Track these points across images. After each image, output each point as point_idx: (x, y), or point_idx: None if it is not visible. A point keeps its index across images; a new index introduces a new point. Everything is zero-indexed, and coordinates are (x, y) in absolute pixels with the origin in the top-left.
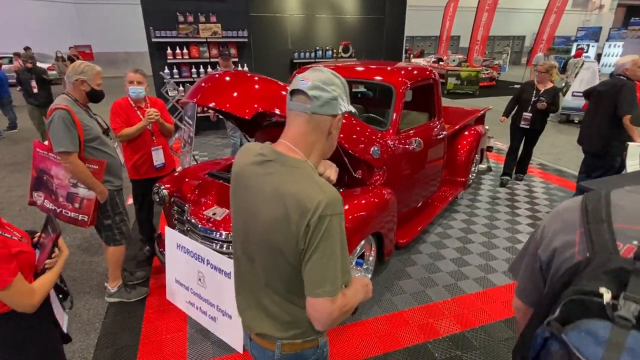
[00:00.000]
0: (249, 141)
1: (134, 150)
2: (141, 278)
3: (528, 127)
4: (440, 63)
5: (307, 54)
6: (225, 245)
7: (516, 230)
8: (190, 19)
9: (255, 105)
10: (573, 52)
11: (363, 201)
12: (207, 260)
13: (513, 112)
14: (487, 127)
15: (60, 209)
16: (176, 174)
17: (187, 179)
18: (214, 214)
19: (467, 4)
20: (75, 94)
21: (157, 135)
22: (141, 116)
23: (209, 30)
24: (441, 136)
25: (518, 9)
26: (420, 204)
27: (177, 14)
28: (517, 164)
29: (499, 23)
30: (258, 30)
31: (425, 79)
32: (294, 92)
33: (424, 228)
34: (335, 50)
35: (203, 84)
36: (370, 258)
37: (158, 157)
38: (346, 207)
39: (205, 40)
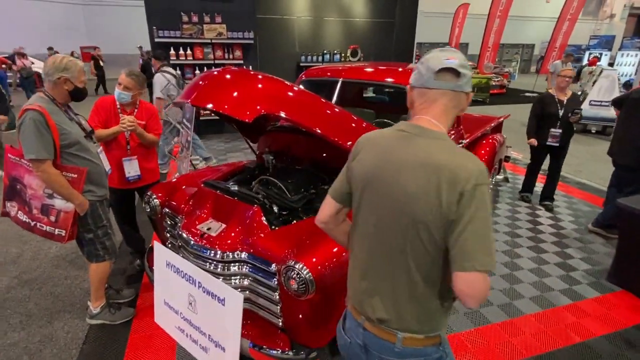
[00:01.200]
0: (250, 147)
1: (109, 155)
2: (128, 297)
3: (558, 144)
4: None
5: (315, 58)
6: (220, 266)
7: (541, 250)
8: (195, 19)
9: (258, 107)
10: (585, 61)
11: None
12: (199, 283)
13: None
14: (504, 136)
15: (35, 222)
16: (174, 179)
17: (182, 188)
18: (208, 228)
19: (477, 11)
20: (55, 92)
21: (133, 145)
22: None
23: (213, 31)
24: (461, 145)
25: (528, 17)
26: None
27: (182, 13)
28: (546, 187)
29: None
30: (265, 32)
31: None
32: (440, 71)
33: None
34: (343, 54)
35: (200, 82)
36: None
37: (131, 168)
38: None
39: (209, 41)
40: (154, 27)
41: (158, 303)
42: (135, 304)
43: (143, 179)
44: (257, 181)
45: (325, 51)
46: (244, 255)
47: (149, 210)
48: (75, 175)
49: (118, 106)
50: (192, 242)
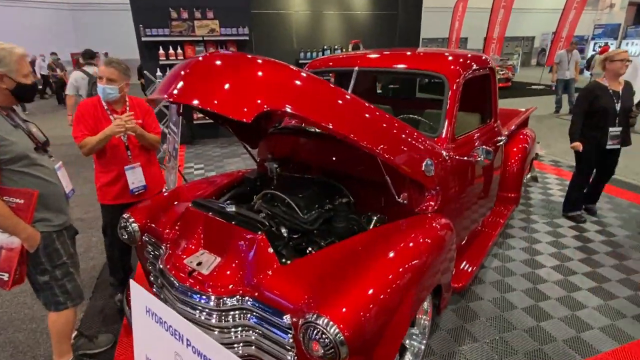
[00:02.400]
0: (249, 153)
1: (103, 167)
2: (104, 345)
3: (619, 146)
4: None
5: (315, 54)
6: (215, 316)
7: (596, 263)
8: (185, 15)
9: (259, 102)
10: (591, 51)
11: (414, 243)
12: (187, 340)
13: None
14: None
15: None
16: (165, 193)
17: (167, 207)
18: (198, 263)
19: (476, 5)
20: None
21: (134, 150)
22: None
23: (205, 28)
24: (500, 143)
25: (527, 9)
26: (473, 232)
27: (170, 9)
28: (592, 190)
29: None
30: (260, 28)
31: (482, 67)
32: None
33: (480, 263)
34: (344, 50)
35: (181, 72)
36: (424, 321)
37: (135, 177)
38: (391, 254)
39: (201, 38)
40: (141, 26)
41: (139, 357)
42: (114, 354)
43: (149, 190)
44: (259, 196)
45: (325, 47)
46: (246, 301)
47: (125, 236)
48: (22, 201)
49: (105, 107)
50: (177, 284)
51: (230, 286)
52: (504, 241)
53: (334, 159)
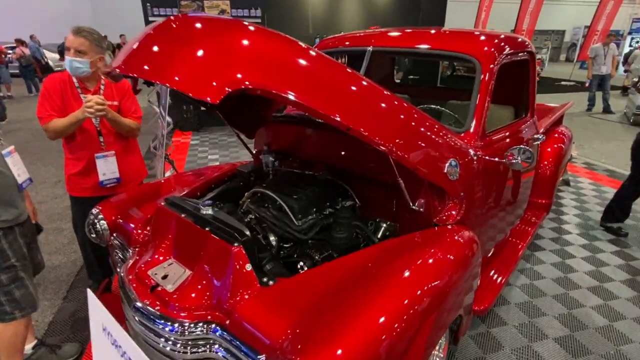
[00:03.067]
0: (243, 144)
1: (72, 154)
2: (68, 357)
3: None
4: None
5: None
6: (180, 345)
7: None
8: None
9: (239, 76)
10: (627, 46)
11: (433, 263)
12: None
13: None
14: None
15: None
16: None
17: (142, 203)
18: (164, 277)
19: None
20: None
21: (108, 136)
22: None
23: (215, 8)
24: (538, 142)
25: (558, 1)
26: (498, 244)
27: None
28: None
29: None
30: (274, 11)
31: (520, 51)
32: None
33: (505, 282)
34: None
35: (141, 39)
36: (438, 357)
37: (107, 168)
38: (406, 273)
39: None
40: (148, 4)
41: None
42: None
43: (124, 182)
44: (248, 195)
45: (342, 32)
46: (214, 329)
47: (94, 235)
48: None
49: (76, 84)
50: (138, 304)
51: (198, 309)
52: (532, 254)
53: (340, 154)
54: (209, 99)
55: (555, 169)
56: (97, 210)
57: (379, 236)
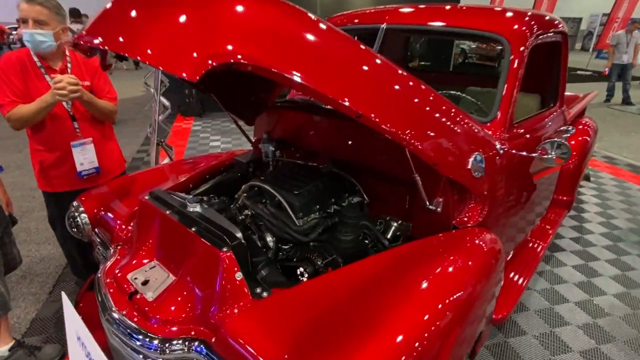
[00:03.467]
0: (241, 131)
1: (42, 145)
2: (49, 359)
3: None
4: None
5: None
6: None
7: None
8: None
9: (229, 48)
10: None
11: (454, 271)
12: None
13: None
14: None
15: None
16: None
17: (129, 195)
18: (144, 282)
19: None
20: None
21: (83, 121)
22: (52, 84)
23: None
24: (568, 134)
25: None
26: (518, 245)
27: None
28: None
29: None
30: None
31: (552, 31)
32: None
33: (525, 286)
34: None
35: (114, 1)
36: None
37: (85, 157)
38: (424, 284)
39: None
40: None
41: None
42: None
43: (103, 173)
44: (245, 188)
45: None
46: (196, 347)
47: (75, 230)
48: None
49: (38, 62)
50: (111, 310)
51: (180, 322)
52: (551, 255)
53: (347, 144)
54: (184, 74)
55: (580, 164)
56: (78, 203)
57: (388, 236)
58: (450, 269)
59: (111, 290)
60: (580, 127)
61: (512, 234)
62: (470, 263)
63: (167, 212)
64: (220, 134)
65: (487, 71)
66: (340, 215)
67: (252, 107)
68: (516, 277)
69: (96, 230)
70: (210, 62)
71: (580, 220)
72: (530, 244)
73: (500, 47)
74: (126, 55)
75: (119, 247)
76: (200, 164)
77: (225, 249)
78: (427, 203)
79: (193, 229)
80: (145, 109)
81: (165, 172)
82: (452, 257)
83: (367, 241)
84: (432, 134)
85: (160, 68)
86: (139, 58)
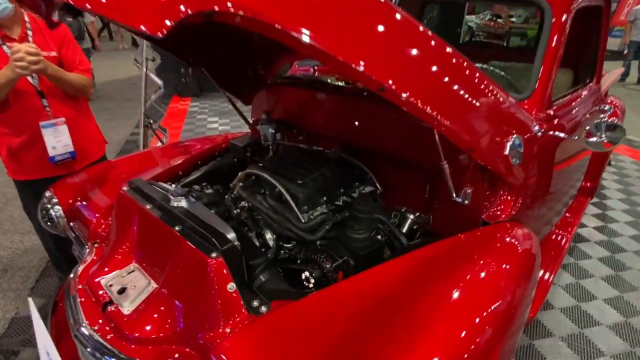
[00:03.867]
0: (236, 109)
1: (8, 127)
2: None
3: None
4: (499, 21)
5: None
6: None
7: None
8: None
9: None
10: None
11: (490, 275)
12: None
13: None
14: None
15: None
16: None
17: (109, 183)
18: (121, 290)
19: None
20: None
21: (53, 97)
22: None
23: None
24: (606, 114)
25: None
26: (544, 238)
27: None
28: None
29: None
30: None
31: None
32: None
33: (551, 283)
34: None
35: None
36: None
37: (57, 140)
38: (457, 293)
39: None
40: None
41: None
42: None
43: (80, 158)
44: (241, 177)
45: None
46: None
47: (49, 224)
48: None
49: None
50: (81, 324)
51: (161, 341)
52: (575, 246)
53: (358, 124)
54: (144, 27)
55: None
56: (50, 193)
57: (404, 229)
58: (486, 274)
59: (82, 299)
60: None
61: (540, 227)
62: (507, 266)
63: (148, 206)
64: (218, 115)
65: (496, 48)
66: (351, 209)
67: (250, 84)
68: (541, 272)
69: (72, 224)
70: (183, 8)
71: (604, 207)
72: (554, 236)
73: (514, 20)
74: (71, 3)
75: (95, 246)
76: (193, 148)
77: (214, 254)
78: (455, 194)
79: (176, 228)
80: (138, 87)
81: (154, 157)
82: (485, 259)
83: (380, 236)
84: (468, 113)
85: (116, 20)
86: (88, 6)
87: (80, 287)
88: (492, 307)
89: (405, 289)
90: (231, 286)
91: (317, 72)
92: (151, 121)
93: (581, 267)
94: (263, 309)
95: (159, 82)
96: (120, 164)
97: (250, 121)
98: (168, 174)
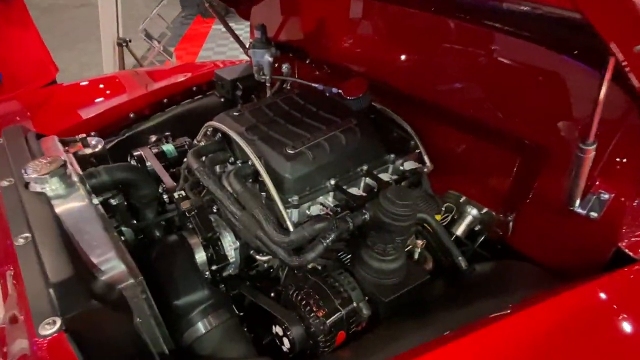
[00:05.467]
0: (225, 26)
1: None
2: None
3: None
4: None
5: None
6: None
7: None
8: None
9: None
10: None
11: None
12: None
13: None
14: None
15: None
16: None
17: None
18: None
19: None
20: None
21: None
22: None
23: None
24: None
25: None
26: None
27: None
28: None
29: None
30: None
31: None
32: None
33: None
34: None
35: None
36: None
37: None
38: None
39: None
40: None
41: None
42: None
43: (13, 82)
44: (202, 133)
45: None
46: None
47: None
48: None
49: None
50: None
51: None
52: None
53: (410, 57)
54: None
55: None
56: None
57: (459, 232)
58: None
59: None
60: None
61: None
62: None
63: (4, 184)
64: (243, 40)
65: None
66: (376, 205)
67: None
68: None
69: None
70: None
71: None
72: None
73: None
74: None
75: None
76: (173, 77)
77: (47, 331)
78: (577, 201)
79: (19, 242)
80: None
81: (114, 84)
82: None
83: (426, 261)
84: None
85: None
86: None
87: None
88: None
89: None
90: None
91: None
92: (125, 41)
93: None
94: None
95: None
96: (66, 90)
97: (247, 45)
98: (111, 114)
